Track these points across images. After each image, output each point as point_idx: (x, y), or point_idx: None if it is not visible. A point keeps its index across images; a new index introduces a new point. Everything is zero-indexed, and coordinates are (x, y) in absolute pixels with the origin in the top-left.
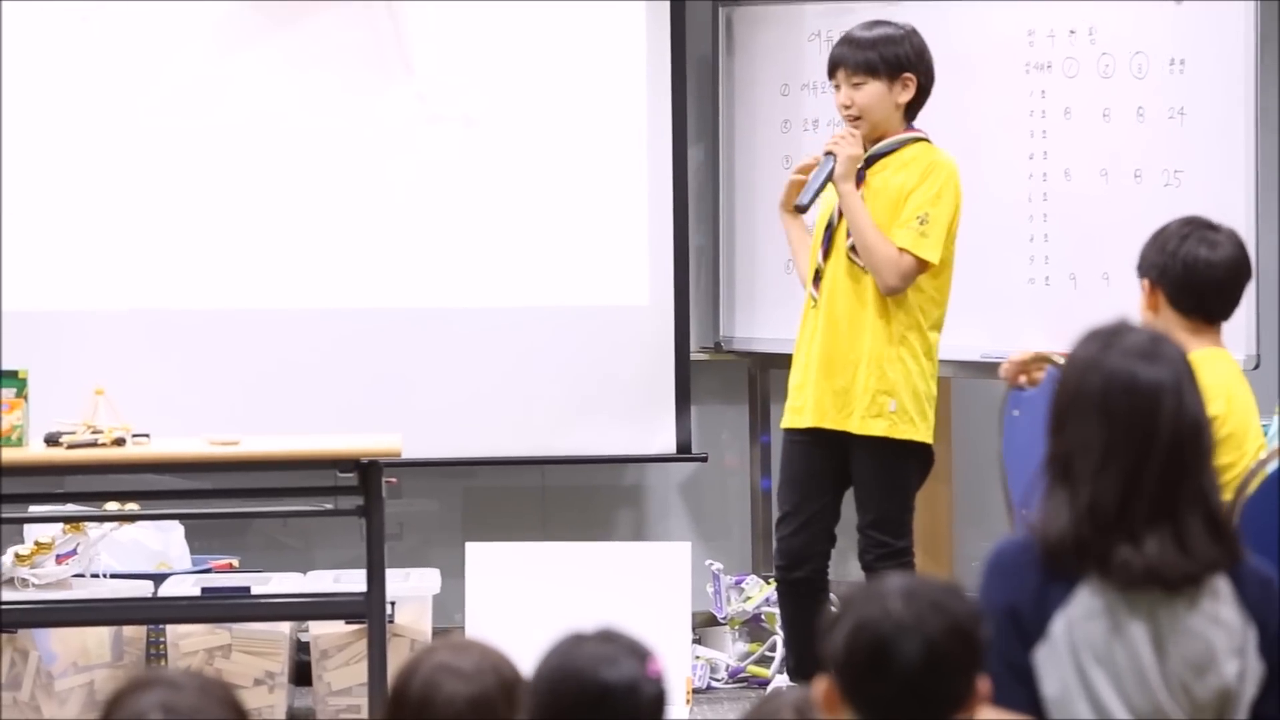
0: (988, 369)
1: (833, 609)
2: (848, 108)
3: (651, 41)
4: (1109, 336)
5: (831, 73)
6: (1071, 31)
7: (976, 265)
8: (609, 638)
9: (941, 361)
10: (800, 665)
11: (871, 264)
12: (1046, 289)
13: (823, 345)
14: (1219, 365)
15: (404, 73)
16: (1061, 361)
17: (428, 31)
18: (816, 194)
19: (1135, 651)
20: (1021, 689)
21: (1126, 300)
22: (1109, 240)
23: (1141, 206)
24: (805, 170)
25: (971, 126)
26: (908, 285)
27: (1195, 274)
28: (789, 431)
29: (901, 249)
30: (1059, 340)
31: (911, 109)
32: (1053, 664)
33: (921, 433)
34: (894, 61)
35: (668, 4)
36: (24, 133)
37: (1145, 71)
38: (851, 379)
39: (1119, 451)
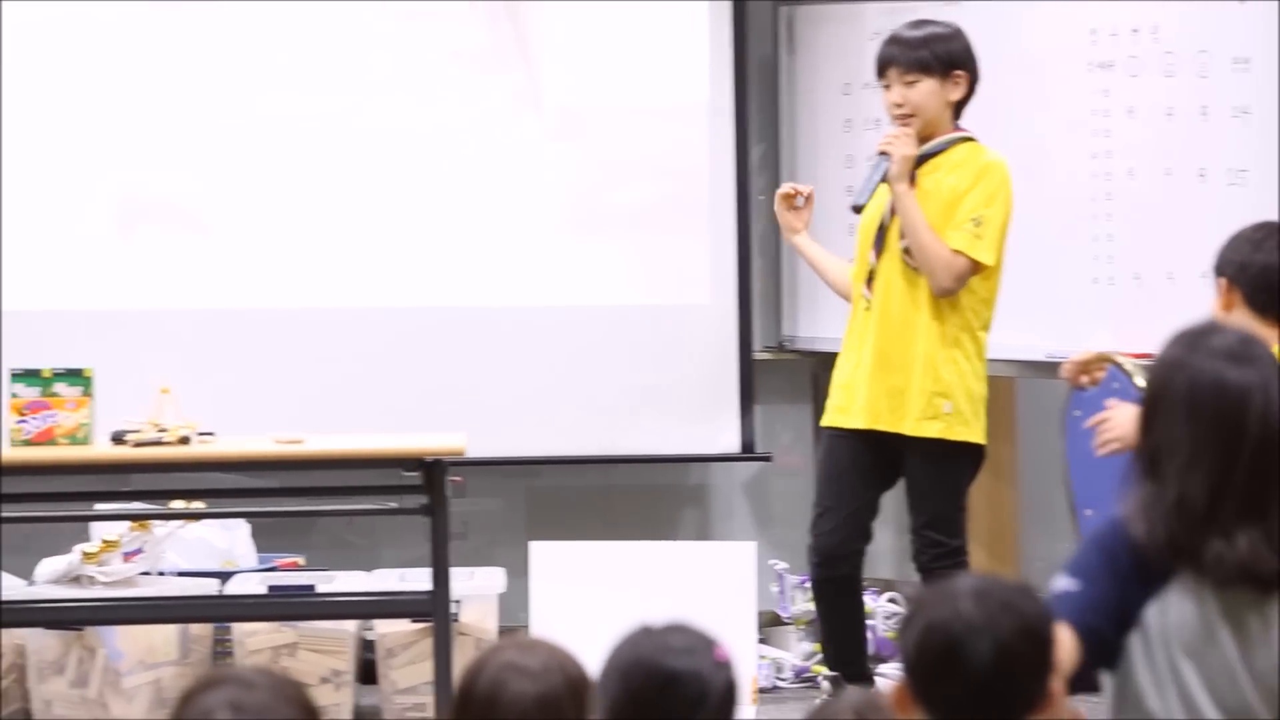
0: (1052, 369)
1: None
2: (900, 106)
3: (714, 41)
4: (1197, 337)
5: (882, 72)
6: (1135, 30)
7: (1040, 265)
8: (676, 628)
9: (1006, 361)
10: (838, 659)
11: (926, 265)
12: (1110, 288)
13: (876, 346)
14: None
15: (477, 73)
16: (1123, 361)
17: (497, 30)
18: (871, 194)
19: (1225, 650)
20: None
21: (1190, 299)
22: (1173, 239)
23: (1206, 206)
24: (788, 198)
25: (1035, 125)
26: (961, 287)
27: (1273, 275)
28: (832, 429)
29: (956, 251)
30: (1123, 339)
31: (958, 108)
32: (1145, 654)
33: (975, 433)
34: (947, 59)
35: (730, 4)
36: (91, 133)
37: (1209, 70)
38: (907, 380)
39: (1207, 449)
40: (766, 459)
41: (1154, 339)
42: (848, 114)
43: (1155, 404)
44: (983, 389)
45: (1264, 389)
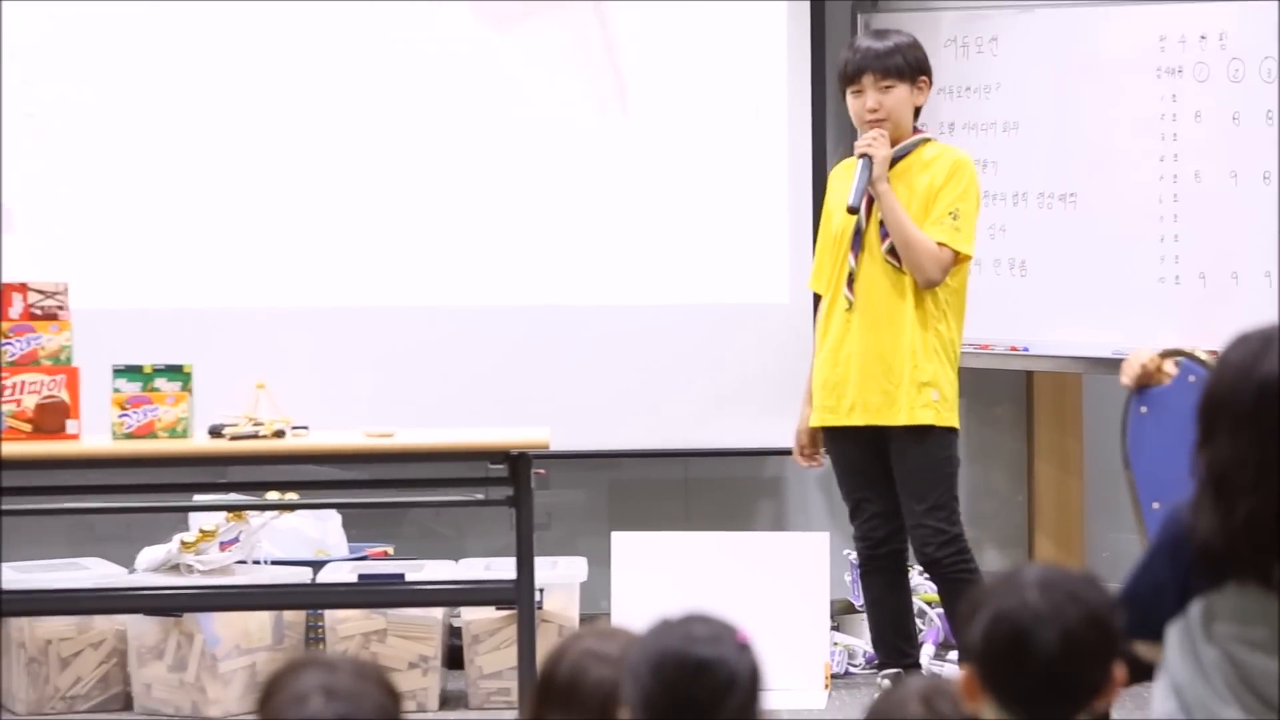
0: (1119, 365)
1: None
2: (875, 110)
3: (792, 44)
4: (1263, 342)
5: (855, 78)
6: (1202, 37)
7: (1108, 264)
8: (697, 618)
9: (1073, 358)
10: (891, 645)
11: (912, 259)
12: (1176, 288)
13: (864, 344)
14: None
15: (562, 73)
16: (1196, 351)
17: (582, 31)
18: (863, 194)
19: (1271, 655)
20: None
21: (1255, 299)
22: (1238, 240)
23: (1271, 208)
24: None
25: (1105, 128)
26: (945, 277)
27: None
28: (834, 431)
29: (940, 243)
30: (1187, 338)
31: (917, 111)
32: (1182, 645)
33: (956, 419)
34: (916, 65)
35: (808, 7)
36: (188, 135)
37: (1275, 75)
38: (898, 374)
39: (1274, 465)
40: None
41: (1218, 337)
42: (922, 117)
43: (1218, 412)
44: (957, 378)
45: None
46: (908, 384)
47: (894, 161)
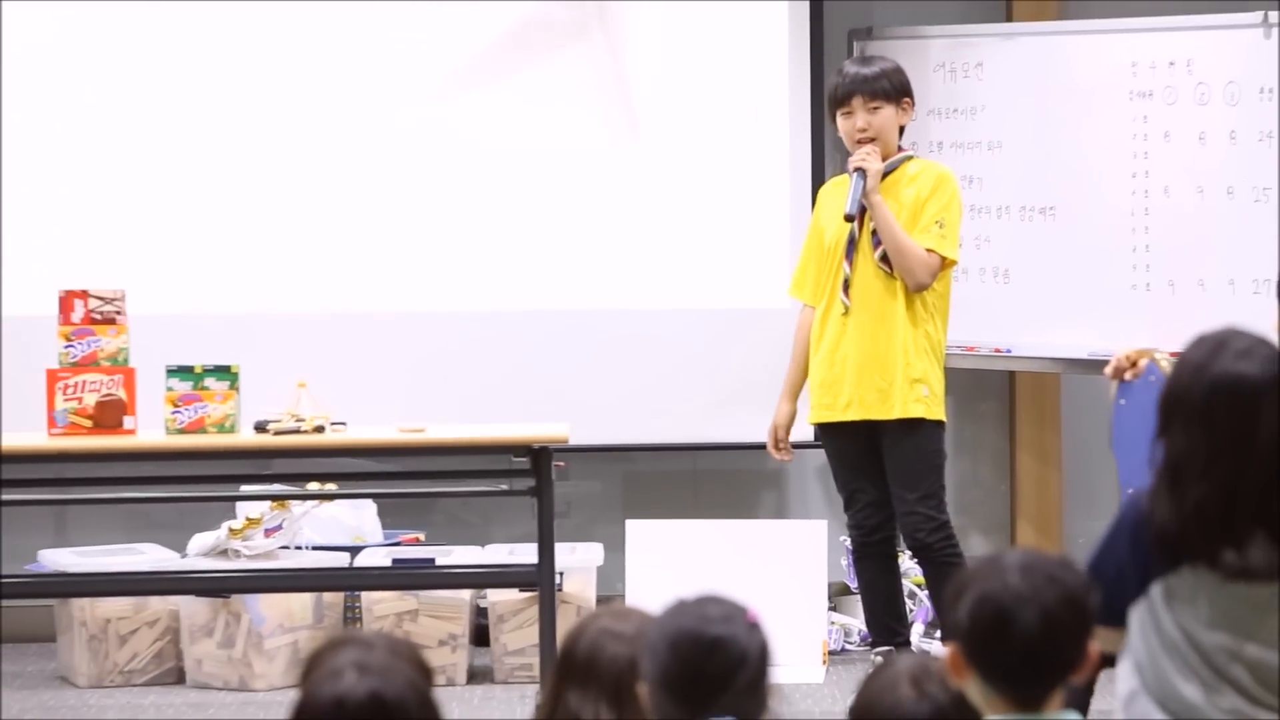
0: (1094, 365)
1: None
2: (864, 130)
3: (792, 70)
4: (1216, 344)
5: (845, 101)
6: (1171, 63)
7: (1084, 272)
8: (710, 599)
9: (1053, 359)
10: (882, 626)
11: (904, 264)
12: (1147, 294)
13: (860, 345)
14: None
15: (581, 94)
16: (1159, 356)
17: (596, 63)
18: (858, 204)
19: (1227, 632)
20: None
21: (1219, 304)
22: (1204, 250)
23: (1233, 221)
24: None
25: (1082, 148)
26: (933, 281)
27: None
28: (826, 426)
29: (929, 250)
30: (1157, 340)
31: (901, 130)
32: (1145, 628)
33: (943, 413)
34: (901, 88)
35: (808, 34)
36: (238, 158)
37: (1237, 98)
38: (892, 372)
39: (1222, 457)
40: None
41: (1185, 340)
42: (913, 137)
43: (1175, 406)
44: (943, 375)
45: (1275, 391)
46: (900, 380)
47: (882, 177)
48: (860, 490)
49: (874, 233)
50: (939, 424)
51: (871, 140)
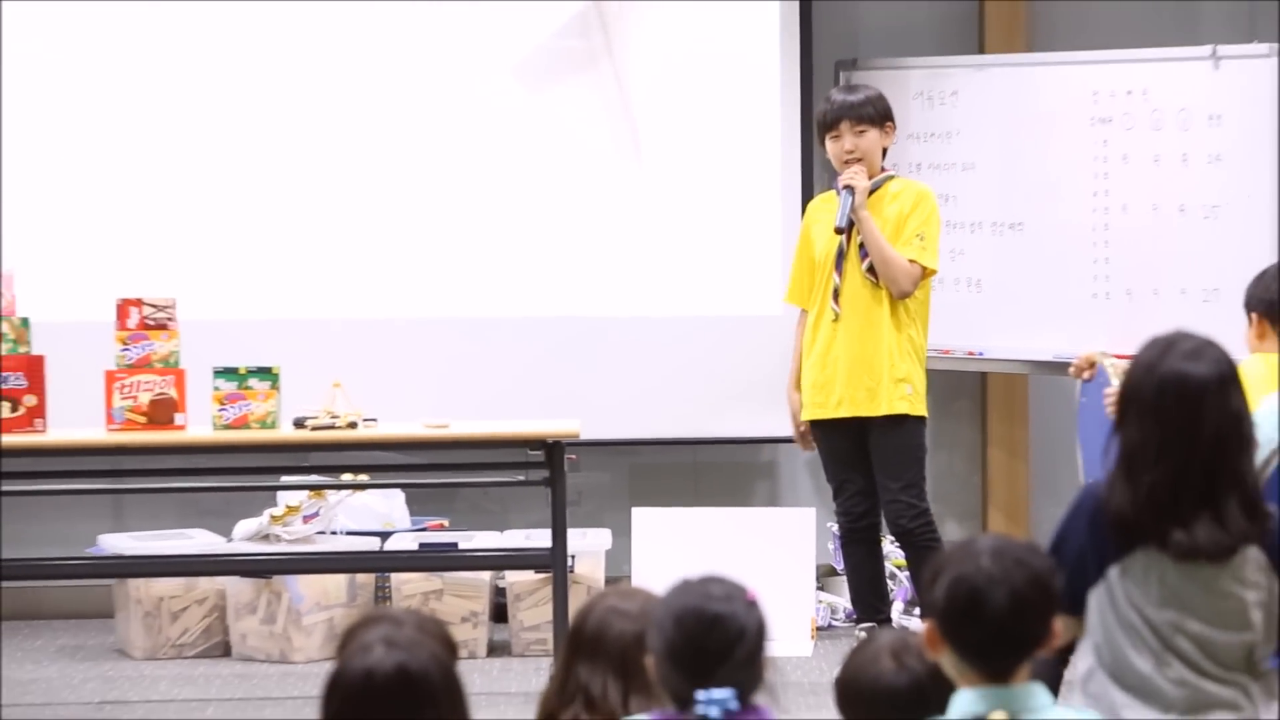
0: (1060, 367)
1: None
2: (850, 152)
3: (784, 98)
4: (1166, 345)
5: (833, 125)
6: (1129, 92)
7: (1049, 282)
8: (713, 579)
9: (1021, 361)
10: (867, 605)
11: (889, 274)
12: (1107, 302)
13: (849, 348)
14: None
15: (585, 127)
16: (1105, 362)
17: (603, 92)
18: (847, 218)
19: (1178, 607)
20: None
21: (1173, 312)
22: (1158, 263)
23: (1185, 236)
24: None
25: (1048, 169)
26: (915, 289)
27: None
28: (819, 423)
29: (911, 260)
30: (1116, 344)
31: (884, 152)
32: (1103, 610)
33: (925, 410)
34: (884, 114)
35: (798, 64)
36: (279, 178)
37: (1189, 124)
38: (879, 372)
39: (1171, 447)
40: None
41: (1140, 342)
42: (893, 159)
43: (1129, 402)
44: (925, 375)
45: (1219, 385)
46: (887, 380)
47: (868, 194)
48: (848, 480)
49: (861, 246)
50: (921, 419)
51: (858, 161)
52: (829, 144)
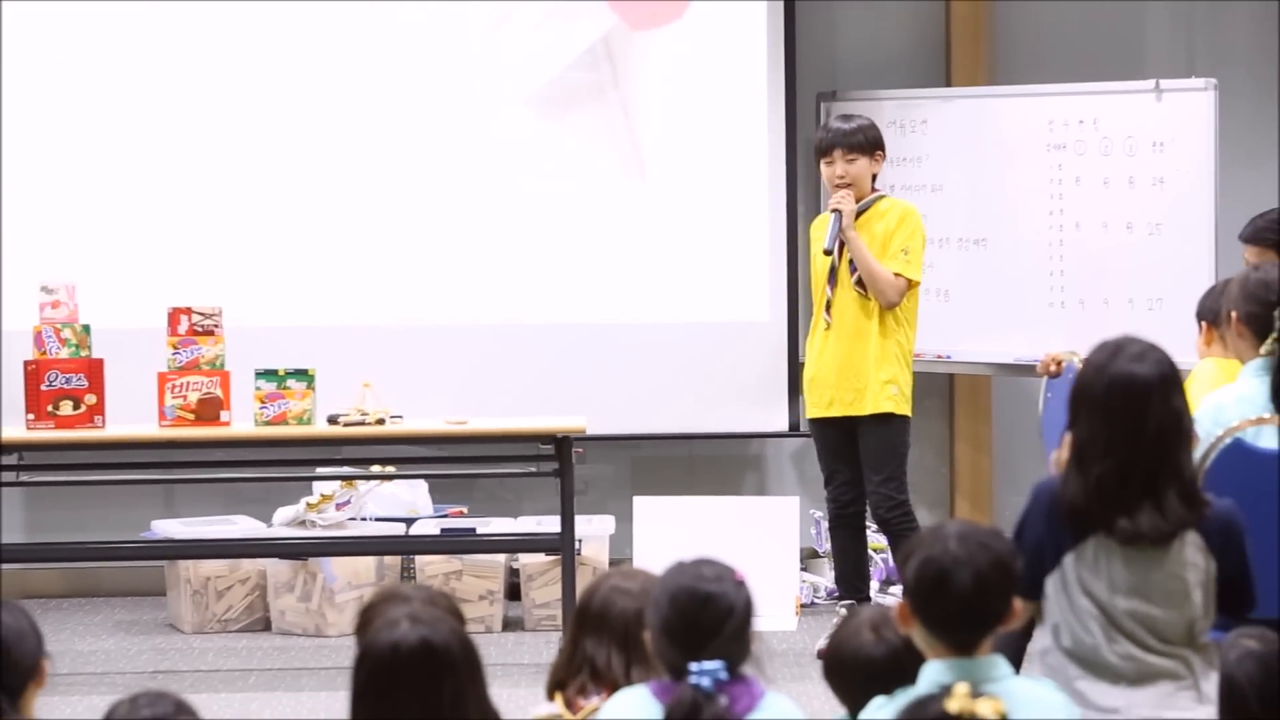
0: (1019, 369)
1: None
2: (842, 177)
3: (771, 125)
4: (1115, 348)
5: (828, 151)
6: (1081, 121)
7: (1011, 292)
8: (704, 561)
9: (985, 364)
10: (851, 586)
11: (876, 287)
12: (1062, 311)
13: (838, 353)
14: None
15: (593, 151)
16: (1074, 358)
17: (610, 118)
18: (835, 240)
19: (1126, 587)
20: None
21: (1120, 318)
22: (1108, 275)
23: (1132, 250)
24: None
25: (1008, 192)
26: (901, 299)
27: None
28: (818, 420)
29: (896, 273)
30: (1070, 347)
31: (874, 177)
32: (1058, 594)
33: (909, 409)
34: (875, 143)
35: (783, 98)
36: (316, 193)
37: (1135, 150)
38: (865, 376)
39: (1118, 441)
40: (807, 436)
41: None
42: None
43: (1080, 400)
44: (912, 377)
45: (1161, 385)
46: (873, 382)
47: (858, 215)
48: (838, 471)
49: (850, 262)
50: (905, 419)
51: (848, 185)
52: (823, 168)
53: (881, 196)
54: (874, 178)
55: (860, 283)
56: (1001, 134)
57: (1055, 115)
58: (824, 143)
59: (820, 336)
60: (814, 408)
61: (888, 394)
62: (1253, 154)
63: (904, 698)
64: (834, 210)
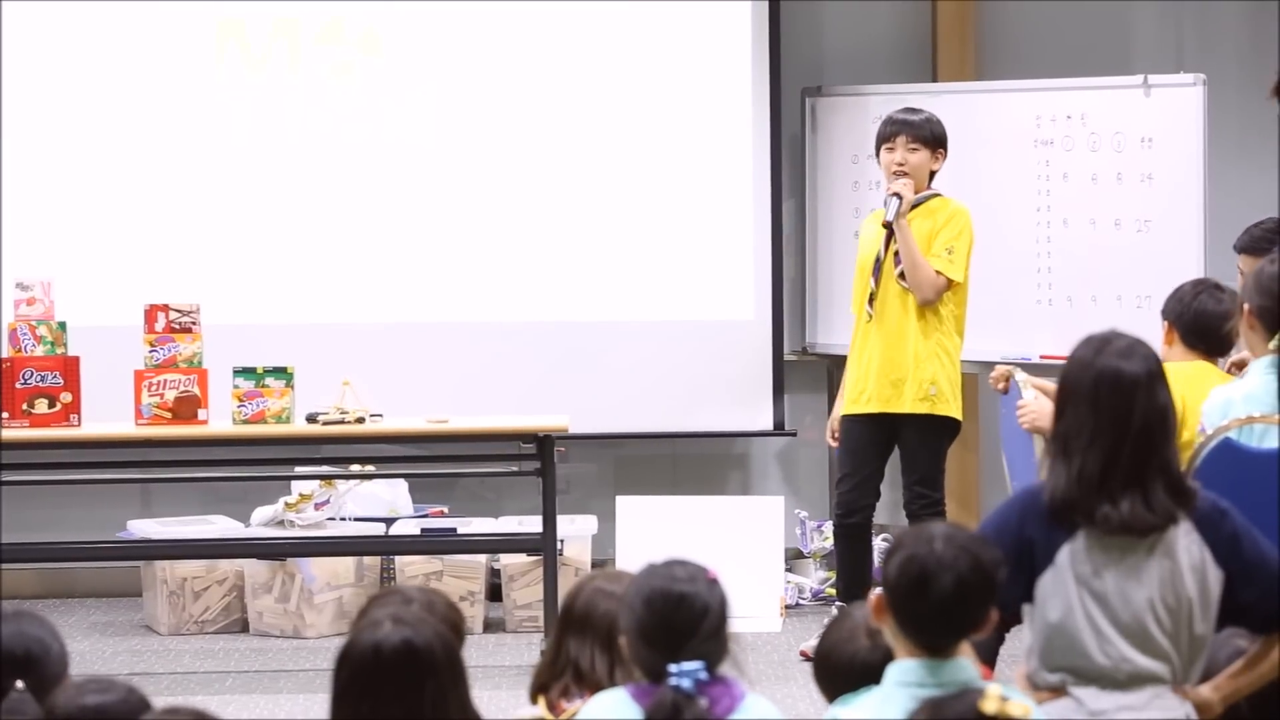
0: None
1: (884, 543)
2: (900, 164)
3: (756, 123)
4: (1100, 342)
5: (891, 137)
6: (1068, 116)
7: (997, 291)
8: (677, 562)
9: (970, 361)
10: (849, 590)
11: (915, 280)
12: (1050, 308)
13: (881, 349)
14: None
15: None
16: (1019, 374)
17: (619, 109)
18: (896, 216)
19: (1119, 580)
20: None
21: (1108, 316)
22: (1096, 272)
23: (1120, 247)
24: None
25: (995, 187)
26: (938, 298)
27: (1203, 320)
28: (850, 416)
29: (937, 271)
30: (1058, 345)
31: (932, 174)
32: (1056, 588)
33: (955, 410)
34: (939, 139)
35: (768, 94)
36: (293, 189)
37: (1123, 146)
38: (904, 373)
39: (1103, 433)
40: (792, 435)
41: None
42: (855, 177)
43: (1067, 395)
44: (958, 377)
45: (1148, 382)
46: (911, 380)
47: (912, 207)
48: (849, 474)
49: (896, 254)
50: (947, 419)
51: (906, 174)
52: (883, 154)
53: (936, 194)
54: (932, 175)
55: (904, 276)
56: (988, 130)
57: (1043, 111)
58: (890, 128)
59: (863, 330)
60: (851, 404)
61: (925, 393)
62: (1242, 149)
63: (868, 696)
64: (893, 194)
